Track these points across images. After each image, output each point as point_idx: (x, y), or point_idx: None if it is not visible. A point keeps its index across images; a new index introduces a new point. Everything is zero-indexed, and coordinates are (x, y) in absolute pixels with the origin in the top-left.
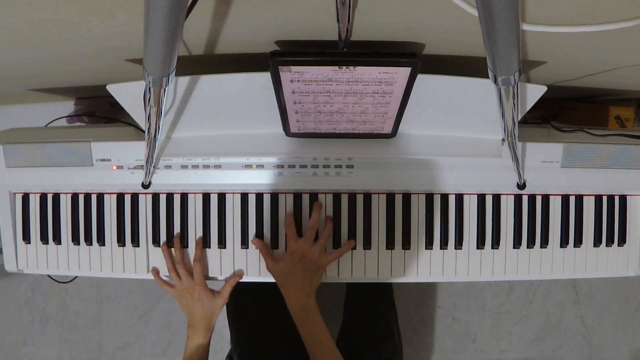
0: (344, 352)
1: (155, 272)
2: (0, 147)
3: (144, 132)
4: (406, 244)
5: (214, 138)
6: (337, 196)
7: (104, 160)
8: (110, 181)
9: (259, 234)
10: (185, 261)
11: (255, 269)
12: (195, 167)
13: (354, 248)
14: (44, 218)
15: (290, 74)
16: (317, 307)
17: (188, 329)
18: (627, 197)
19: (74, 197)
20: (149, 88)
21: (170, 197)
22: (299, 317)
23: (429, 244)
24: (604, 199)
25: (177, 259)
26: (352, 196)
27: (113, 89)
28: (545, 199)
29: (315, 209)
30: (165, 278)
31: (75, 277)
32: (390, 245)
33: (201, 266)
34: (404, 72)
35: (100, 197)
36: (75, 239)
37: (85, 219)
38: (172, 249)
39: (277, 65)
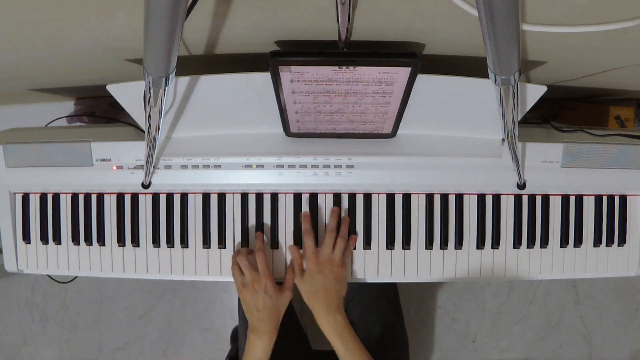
0: None
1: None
2: (0, 147)
3: (144, 132)
4: (406, 244)
5: (214, 138)
6: (337, 196)
7: (104, 160)
8: (110, 181)
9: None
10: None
11: None
12: (195, 167)
13: (355, 248)
14: (44, 218)
15: (290, 74)
16: (347, 320)
17: (250, 334)
18: (627, 197)
19: (74, 197)
20: (149, 88)
21: (170, 197)
22: (330, 331)
23: (429, 244)
24: (604, 199)
25: (241, 251)
26: (352, 196)
27: (113, 89)
28: (545, 199)
29: (333, 216)
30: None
31: (75, 277)
32: (390, 245)
33: (265, 257)
34: (404, 72)
35: (100, 197)
36: (75, 239)
37: (85, 219)
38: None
39: (277, 65)
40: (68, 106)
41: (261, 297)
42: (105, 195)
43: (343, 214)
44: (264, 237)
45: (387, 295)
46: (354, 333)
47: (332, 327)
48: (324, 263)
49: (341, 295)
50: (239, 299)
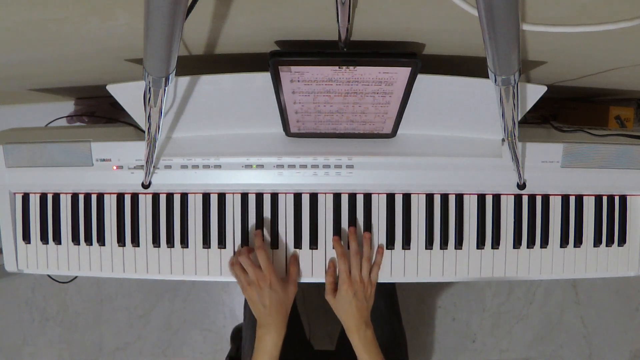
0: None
1: (232, 262)
2: (0, 147)
3: (144, 132)
4: (406, 244)
5: (214, 138)
6: (337, 196)
7: (104, 160)
8: (110, 181)
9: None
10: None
11: None
12: (195, 167)
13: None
14: (44, 218)
15: (290, 74)
16: (374, 335)
17: (259, 331)
18: (627, 197)
19: (74, 197)
20: (149, 88)
21: (170, 197)
22: (359, 345)
23: (429, 244)
24: (604, 199)
25: (241, 251)
26: (352, 196)
27: (113, 89)
28: (545, 199)
29: (351, 238)
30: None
31: (75, 277)
32: (390, 245)
33: (267, 254)
34: (404, 72)
35: (100, 197)
36: (75, 239)
37: (85, 219)
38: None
39: (277, 65)
40: (68, 106)
41: (267, 292)
42: (105, 195)
43: (335, 213)
44: (265, 236)
45: (386, 296)
46: (378, 346)
47: (362, 342)
48: (357, 285)
49: (370, 308)
50: (245, 299)
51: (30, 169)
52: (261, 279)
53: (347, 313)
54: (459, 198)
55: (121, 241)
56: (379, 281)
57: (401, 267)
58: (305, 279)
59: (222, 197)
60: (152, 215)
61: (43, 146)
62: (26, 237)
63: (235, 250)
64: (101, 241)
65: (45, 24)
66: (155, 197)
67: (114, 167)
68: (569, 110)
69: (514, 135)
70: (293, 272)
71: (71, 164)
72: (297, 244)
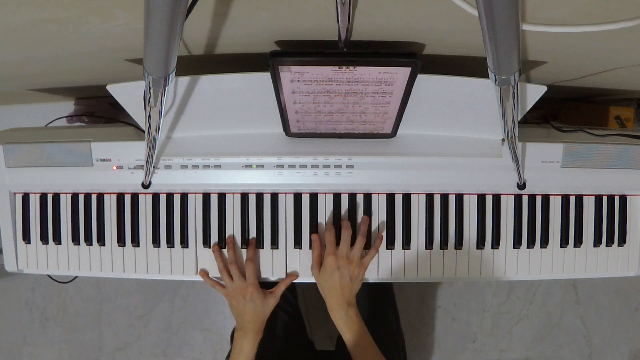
0: (343, 354)
1: (204, 273)
2: (0, 147)
3: (144, 132)
4: (406, 244)
5: (214, 138)
6: (337, 196)
7: (104, 160)
8: (110, 181)
9: (259, 234)
10: (238, 262)
11: (264, 269)
12: (195, 167)
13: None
14: (44, 218)
15: (290, 74)
16: (358, 314)
17: (236, 332)
18: (627, 197)
19: (74, 197)
20: (149, 88)
21: (170, 197)
22: (341, 324)
23: (429, 244)
24: (604, 199)
25: (230, 259)
26: (352, 196)
27: (113, 89)
28: (545, 199)
29: (343, 218)
30: (214, 278)
31: (75, 277)
32: (390, 245)
33: (254, 266)
34: (404, 72)
35: (100, 197)
36: (75, 239)
37: (85, 219)
38: (224, 250)
39: (277, 65)
40: (68, 106)
41: (245, 303)
42: (105, 195)
43: (335, 213)
44: (265, 236)
45: (383, 296)
46: (365, 328)
47: (343, 321)
48: (342, 261)
49: (354, 292)
50: None
51: (30, 169)
52: (243, 289)
53: (329, 288)
54: (459, 198)
55: (121, 241)
56: (378, 281)
57: (401, 267)
58: (305, 278)
59: (222, 197)
60: (152, 215)
61: (43, 146)
62: (26, 237)
63: (236, 250)
64: (101, 241)
65: (45, 24)
66: (155, 197)
67: (114, 167)
68: (569, 110)
69: (514, 135)
70: (280, 288)
71: (71, 164)
72: (297, 243)
